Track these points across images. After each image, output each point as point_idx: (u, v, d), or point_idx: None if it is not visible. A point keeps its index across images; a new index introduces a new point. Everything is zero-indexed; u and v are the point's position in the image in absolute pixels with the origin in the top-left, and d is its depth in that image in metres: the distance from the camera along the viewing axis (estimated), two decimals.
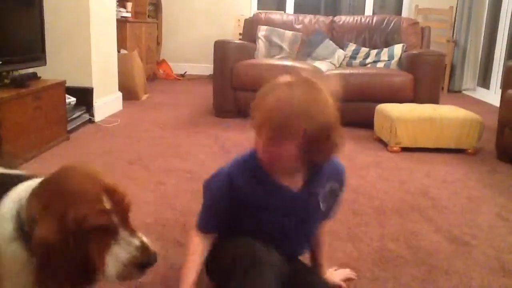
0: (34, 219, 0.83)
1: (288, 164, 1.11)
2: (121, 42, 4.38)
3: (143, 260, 0.87)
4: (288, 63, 3.73)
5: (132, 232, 0.88)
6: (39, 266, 0.81)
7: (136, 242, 0.87)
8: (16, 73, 2.66)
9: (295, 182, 1.15)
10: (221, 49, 3.71)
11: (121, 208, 0.88)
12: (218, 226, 1.21)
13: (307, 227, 1.23)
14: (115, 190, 0.88)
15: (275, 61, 3.81)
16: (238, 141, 2.99)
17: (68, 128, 2.94)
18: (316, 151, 1.07)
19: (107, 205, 0.85)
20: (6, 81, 2.49)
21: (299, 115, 1.01)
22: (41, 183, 0.89)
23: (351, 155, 2.80)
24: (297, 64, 3.70)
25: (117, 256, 0.85)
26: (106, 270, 0.85)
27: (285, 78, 1.08)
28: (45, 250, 0.80)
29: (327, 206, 1.22)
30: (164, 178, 2.27)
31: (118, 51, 3.98)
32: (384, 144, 3.06)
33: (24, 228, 0.85)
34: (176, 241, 1.62)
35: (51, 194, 0.85)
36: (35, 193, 0.87)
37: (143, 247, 0.88)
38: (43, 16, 2.78)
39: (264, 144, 1.08)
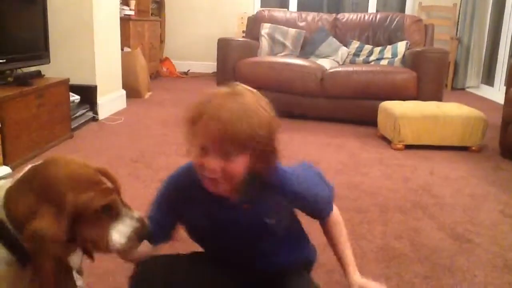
0: (26, 213, 0.78)
1: (232, 181, 0.97)
2: (125, 40, 4.38)
3: (143, 232, 0.90)
4: (292, 60, 3.73)
5: (129, 208, 0.91)
6: (34, 259, 0.77)
7: (136, 215, 0.90)
8: (19, 71, 2.67)
9: (232, 193, 1.02)
10: (224, 47, 3.72)
11: (116, 186, 0.89)
12: (160, 238, 1.10)
13: (261, 236, 1.08)
14: (105, 171, 0.89)
15: (278, 59, 3.80)
16: None
17: (72, 126, 2.95)
18: (264, 161, 0.97)
19: (109, 184, 0.86)
20: (10, 79, 2.50)
21: (251, 124, 0.90)
22: (24, 177, 0.83)
23: (355, 152, 2.79)
24: (299, 61, 3.70)
25: (122, 231, 0.87)
26: (110, 246, 0.85)
27: (221, 89, 0.96)
28: (43, 242, 0.75)
29: (281, 219, 1.07)
30: (167, 175, 2.27)
31: (122, 49, 3.99)
32: (387, 141, 3.05)
33: (5, 225, 0.79)
34: (179, 237, 1.62)
35: (41, 184, 0.80)
36: (18, 188, 0.81)
37: (141, 219, 0.90)
38: (47, 14, 2.79)
39: (208, 161, 0.93)
